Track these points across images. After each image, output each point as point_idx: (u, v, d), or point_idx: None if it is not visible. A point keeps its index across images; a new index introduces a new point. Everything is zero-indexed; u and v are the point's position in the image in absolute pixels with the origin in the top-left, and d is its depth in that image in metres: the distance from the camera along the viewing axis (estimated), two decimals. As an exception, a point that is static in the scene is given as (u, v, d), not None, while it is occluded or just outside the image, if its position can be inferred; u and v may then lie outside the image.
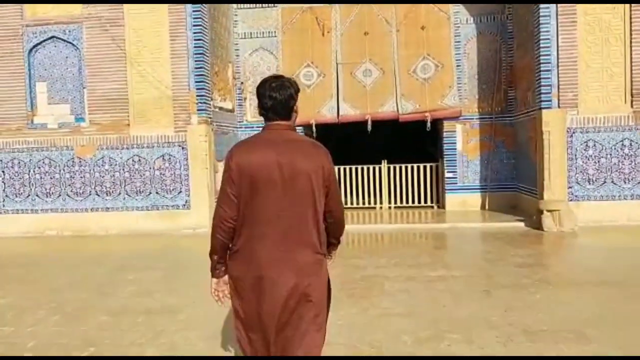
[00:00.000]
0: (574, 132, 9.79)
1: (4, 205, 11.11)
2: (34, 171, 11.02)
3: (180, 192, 10.83)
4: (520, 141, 11.75)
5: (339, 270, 6.72)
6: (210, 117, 11.06)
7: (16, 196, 11.07)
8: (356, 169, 13.29)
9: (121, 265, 7.61)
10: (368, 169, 13.26)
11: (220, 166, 11.37)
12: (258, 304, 2.59)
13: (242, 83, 13.03)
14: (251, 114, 13.05)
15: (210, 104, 11.09)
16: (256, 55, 13.01)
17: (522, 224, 9.93)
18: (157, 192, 10.86)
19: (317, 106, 12.73)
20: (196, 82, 10.71)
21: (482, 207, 12.23)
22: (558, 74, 9.78)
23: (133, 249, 9.20)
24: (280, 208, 2.55)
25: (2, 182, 11.08)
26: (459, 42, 12.31)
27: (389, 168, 13.17)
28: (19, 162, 11.04)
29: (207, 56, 10.90)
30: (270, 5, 12.83)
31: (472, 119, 12.34)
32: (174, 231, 10.58)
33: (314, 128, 12.66)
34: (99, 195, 10.95)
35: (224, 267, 2.72)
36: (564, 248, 7.95)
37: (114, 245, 9.69)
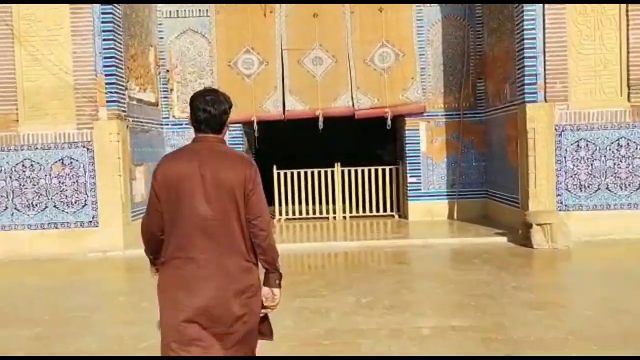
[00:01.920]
0: (563, 130, 8.33)
1: None
2: None
3: (85, 205, 8.58)
4: (492, 141, 10.25)
5: (292, 317, 4.83)
6: (124, 111, 8.88)
7: None
8: (305, 173, 11.43)
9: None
10: (319, 173, 11.42)
11: (139, 172, 9.21)
12: (185, 312, 2.55)
13: (167, 71, 10.87)
14: (179, 108, 10.91)
15: (124, 95, 8.91)
16: (184, 39, 10.89)
17: (504, 239, 8.37)
18: (55, 206, 8.57)
19: (259, 100, 10.76)
20: (105, 66, 8.52)
21: (450, 216, 10.66)
22: (544, 61, 8.30)
23: (13, 284, 6.93)
24: (205, 218, 2.57)
25: None
26: (421, 27, 10.68)
27: (343, 172, 11.38)
28: None
29: (119, 34, 8.72)
30: (201, -22, 10.77)
31: (438, 115, 10.74)
32: (78, 255, 8.35)
33: (255, 125, 10.69)
34: (-23, 211, 8.53)
35: (156, 272, 2.77)
36: (571, 275, 6.38)
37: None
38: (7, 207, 8.55)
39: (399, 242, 8.56)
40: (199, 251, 2.56)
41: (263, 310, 2.72)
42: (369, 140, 14.29)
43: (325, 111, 10.74)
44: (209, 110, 2.63)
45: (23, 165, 8.53)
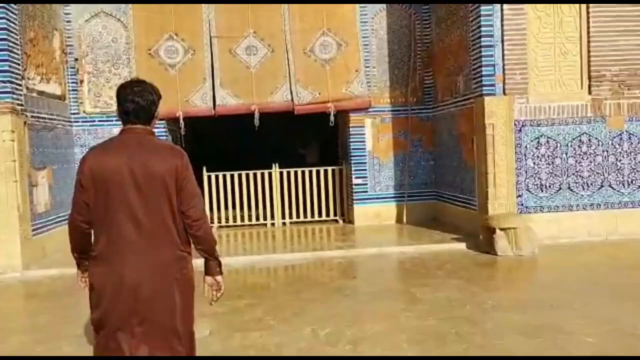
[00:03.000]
0: (522, 126, 7.70)
1: None
2: None
3: (-28, 218, 7.03)
4: (442, 139, 9.55)
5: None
6: (21, 105, 7.39)
7: None
8: (239, 175, 10.27)
9: None
10: (255, 175, 10.30)
11: (41, 177, 7.74)
12: (119, 305, 2.52)
13: (76, 60, 9.38)
14: (90, 102, 9.45)
15: (20, 85, 7.41)
16: (96, 23, 9.44)
17: (462, 246, 7.64)
18: None
19: (185, 93, 9.50)
20: (-5, 50, 7.01)
21: (399, 220, 9.88)
22: (503, 51, 7.63)
23: None
24: (136, 210, 2.52)
25: None
26: (365, 14, 9.82)
27: (281, 174, 10.33)
28: None
29: (13, 13, 7.23)
30: (115, -47, 9.36)
31: (384, 111, 9.92)
32: (-39, 280, 6.80)
33: (181, 122, 9.42)
34: None
35: (86, 261, 2.67)
36: (550, 288, 5.59)
37: None
38: None
39: (349, 252, 7.62)
40: (131, 244, 2.52)
41: (212, 301, 2.76)
42: (290, 138, 13.33)
43: (261, 106, 9.65)
44: (137, 101, 2.58)
45: None
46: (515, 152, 7.66)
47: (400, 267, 6.78)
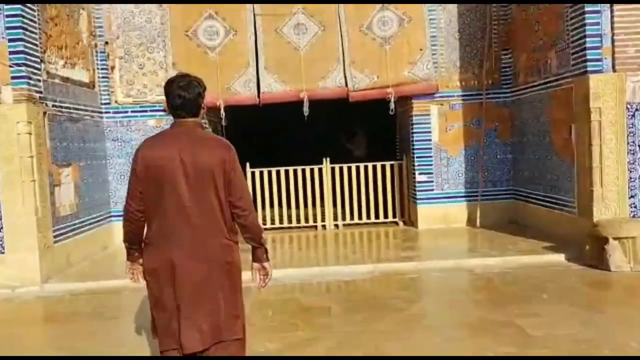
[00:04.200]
0: (637, 110, 6.24)
1: None
2: None
3: (-15, 223, 6.10)
4: (523, 127, 8.13)
5: None
6: (39, 92, 6.41)
7: None
8: (286, 172, 9.12)
9: None
10: (304, 171, 9.13)
11: (65, 175, 6.78)
12: (171, 291, 2.65)
13: (106, 44, 8.39)
14: (122, 91, 8.45)
15: (39, 69, 6.43)
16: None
17: (561, 258, 6.25)
18: (-61, 226, 6.07)
19: (226, 79, 8.38)
20: (9, 27, 6.04)
21: (470, 223, 8.52)
22: (612, 17, 6.17)
23: None
24: (185, 200, 2.64)
25: None
26: (431, -16, 8.47)
27: (333, 170, 9.12)
28: None
29: (28, -17, 6.24)
30: None
31: (453, 96, 8.56)
32: (-28, 295, 5.90)
33: (222, 112, 8.32)
34: None
35: (136, 252, 2.82)
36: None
37: None
38: None
39: (420, 265, 6.33)
40: (180, 232, 2.64)
41: (260, 286, 2.87)
42: (336, 129, 12.07)
43: (311, 93, 8.45)
44: (183, 96, 2.69)
45: None
46: (628, 143, 6.21)
47: (490, 287, 5.45)
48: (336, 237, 8.53)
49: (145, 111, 8.44)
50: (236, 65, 8.42)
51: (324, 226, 9.09)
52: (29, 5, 6.22)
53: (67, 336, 4.63)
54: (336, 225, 9.12)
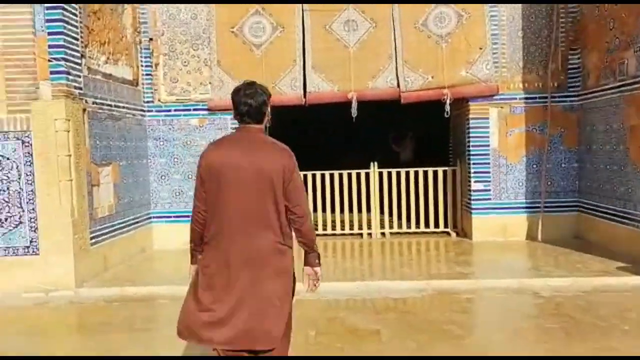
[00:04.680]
0: None
1: None
2: None
3: (20, 223, 5.90)
4: (592, 134, 7.42)
5: None
6: (79, 88, 6.18)
7: None
8: (331, 175, 8.68)
9: None
10: (350, 176, 8.67)
11: (105, 174, 6.54)
12: (222, 289, 2.73)
13: (150, 40, 8.15)
14: (166, 89, 8.19)
15: (79, 64, 6.20)
16: (173, -4, 8.16)
17: (638, 280, 5.56)
18: (-24, 225, 5.90)
19: (271, 77, 7.99)
20: (49, 20, 5.82)
21: (531, 236, 7.86)
22: None
23: None
24: (242, 203, 2.73)
25: None
26: (493, -22, 7.86)
27: (381, 174, 8.62)
28: None
29: (70, -25, 6.02)
30: None
31: (514, 98, 7.91)
32: (8, 296, 5.70)
33: (268, 113, 7.91)
34: None
35: (199, 254, 2.90)
36: None
37: None
38: None
39: (478, 283, 5.76)
40: (236, 233, 2.73)
41: (310, 289, 2.94)
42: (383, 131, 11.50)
43: (360, 93, 7.98)
44: (249, 103, 2.82)
45: None
46: None
47: (561, 314, 4.84)
48: (383, 246, 8.03)
49: (189, 110, 8.16)
50: (282, 63, 8.03)
51: (369, 234, 8.61)
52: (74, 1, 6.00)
53: (94, 348, 4.32)
54: (383, 234, 8.62)
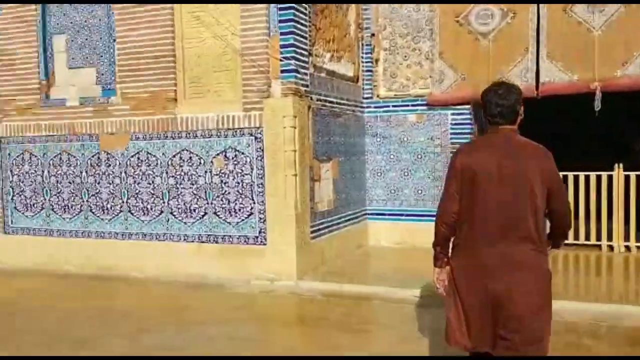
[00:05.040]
0: None
1: (12, 222, 7.57)
2: (48, 172, 7.30)
3: (251, 214, 6.30)
4: None
5: None
6: (306, 86, 6.36)
7: (27, 209, 7.46)
8: (565, 177, 7.65)
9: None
10: (587, 178, 7.56)
11: (325, 170, 6.66)
12: (477, 293, 2.69)
13: (372, 35, 8.10)
14: (385, 85, 8.08)
15: (306, 63, 6.37)
16: (399, -12, 7.99)
17: None
18: (215, 213, 6.47)
19: (498, 68, 7.34)
20: (282, 22, 6.07)
21: None
22: None
23: (149, 321, 4.84)
24: (498, 205, 2.65)
25: (10, 186, 7.54)
26: None
27: (627, 178, 7.34)
28: (31, 157, 7.40)
29: (301, -24, 6.20)
30: None
31: None
32: (238, 282, 6.14)
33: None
34: (132, 214, 6.86)
35: (445, 257, 2.84)
36: None
37: (124, 302, 5.45)
38: (162, 211, 6.72)
39: None
40: (489, 236, 2.65)
41: None
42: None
43: (606, 83, 6.87)
44: (502, 104, 2.71)
45: (180, 158, 6.58)
46: None
47: None
48: (627, 262, 6.82)
49: (407, 105, 7.93)
50: (512, 53, 7.31)
51: (610, 246, 7.40)
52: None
53: (311, 345, 4.33)
54: (627, 247, 7.34)
